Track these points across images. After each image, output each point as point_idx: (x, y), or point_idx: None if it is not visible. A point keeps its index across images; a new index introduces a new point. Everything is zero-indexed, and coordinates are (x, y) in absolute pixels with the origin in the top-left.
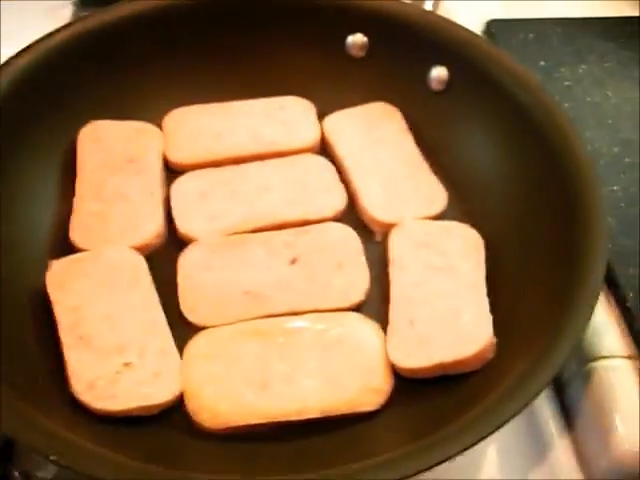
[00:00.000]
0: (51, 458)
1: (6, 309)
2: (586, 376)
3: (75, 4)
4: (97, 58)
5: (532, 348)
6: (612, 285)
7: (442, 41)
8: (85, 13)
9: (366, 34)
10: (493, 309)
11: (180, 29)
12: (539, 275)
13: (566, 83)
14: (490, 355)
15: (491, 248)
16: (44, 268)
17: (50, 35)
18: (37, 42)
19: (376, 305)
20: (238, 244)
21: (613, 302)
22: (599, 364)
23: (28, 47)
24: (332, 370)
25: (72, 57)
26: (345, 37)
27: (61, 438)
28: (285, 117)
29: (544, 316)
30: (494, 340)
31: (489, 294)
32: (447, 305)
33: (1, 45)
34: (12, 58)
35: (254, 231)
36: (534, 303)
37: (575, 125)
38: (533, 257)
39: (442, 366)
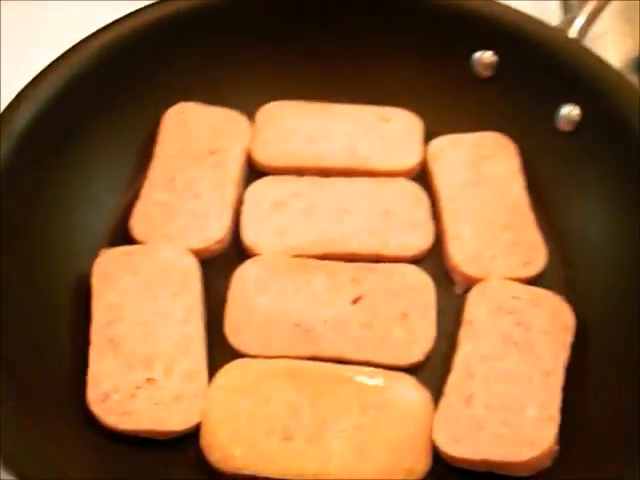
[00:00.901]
0: None
1: (47, 293)
2: None
3: None
4: (197, 36)
5: (600, 468)
6: None
7: (583, 79)
8: None
9: (497, 53)
10: (564, 409)
11: (294, 19)
12: (632, 381)
13: None
14: (546, 464)
15: (582, 333)
16: (96, 255)
17: (151, 6)
18: (136, 12)
19: (434, 370)
20: (301, 269)
21: None
22: None
23: (125, 16)
24: (365, 436)
25: (171, 32)
26: (473, 52)
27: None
28: (387, 131)
29: (625, 433)
30: (556, 448)
31: (564, 389)
32: (513, 391)
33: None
34: (104, 27)
35: (322, 256)
36: (617, 413)
37: None
38: (631, 358)
39: (488, 463)
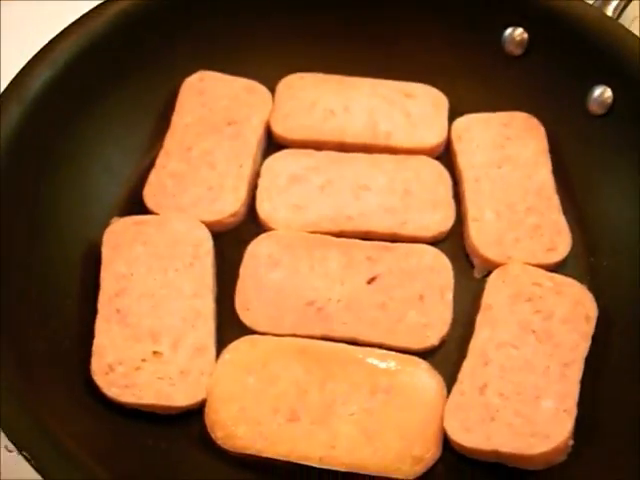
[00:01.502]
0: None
1: (57, 259)
2: None
3: None
4: (220, 4)
5: (617, 467)
6: None
7: (618, 60)
8: None
9: (528, 30)
10: (581, 401)
11: None
12: None
13: None
14: (560, 458)
15: (604, 322)
16: (108, 223)
17: None
18: None
19: (449, 355)
20: (316, 245)
21: None
22: None
23: None
24: (374, 421)
25: None
26: (503, 29)
27: (46, 433)
28: (411, 108)
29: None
30: (571, 442)
31: (583, 380)
32: (529, 381)
33: None
34: None
35: (338, 233)
36: (637, 411)
37: None
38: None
39: (499, 454)
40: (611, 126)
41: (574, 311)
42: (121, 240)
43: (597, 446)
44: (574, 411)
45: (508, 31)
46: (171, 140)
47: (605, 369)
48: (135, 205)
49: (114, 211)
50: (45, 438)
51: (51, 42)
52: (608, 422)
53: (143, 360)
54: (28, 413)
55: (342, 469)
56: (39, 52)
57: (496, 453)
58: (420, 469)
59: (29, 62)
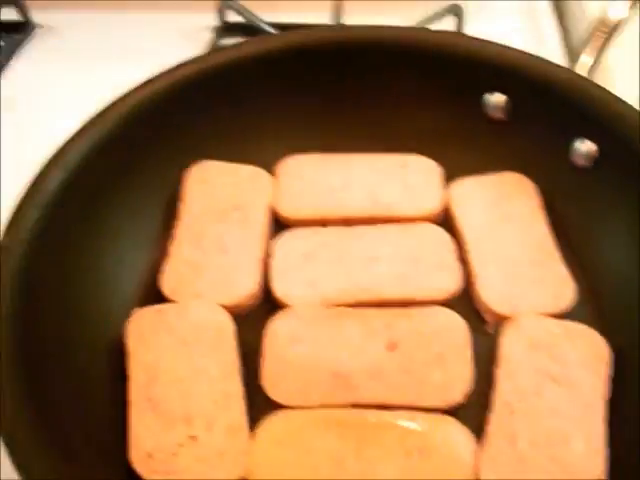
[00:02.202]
0: None
1: (83, 356)
2: None
3: (214, 31)
4: (216, 97)
5: None
6: None
7: (594, 114)
8: (223, 41)
9: (506, 93)
10: (610, 441)
11: (306, 74)
12: None
13: None
14: None
15: (620, 363)
16: (128, 314)
17: (170, 71)
18: (157, 77)
19: (474, 409)
20: (334, 318)
21: None
22: None
23: (146, 82)
24: None
25: (190, 94)
26: (482, 95)
27: None
28: (407, 178)
29: None
30: (603, 477)
31: (609, 421)
32: (556, 426)
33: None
34: (127, 93)
35: (354, 304)
36: None
37: None
38: None
39: None
40: (598, 177)
41: (588, 354)
42: (144, 330)
43: None
44: (604, 450)
45: (487, 96)
46: (181, 230)
47: (628, 407)
48: (152, 295)
49: (133, 302)
50: None
51: (62, 146)
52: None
53: (180, 445)
54: None
55: None
56: (52, 156)
57: None
58: None
59: (43, 167)
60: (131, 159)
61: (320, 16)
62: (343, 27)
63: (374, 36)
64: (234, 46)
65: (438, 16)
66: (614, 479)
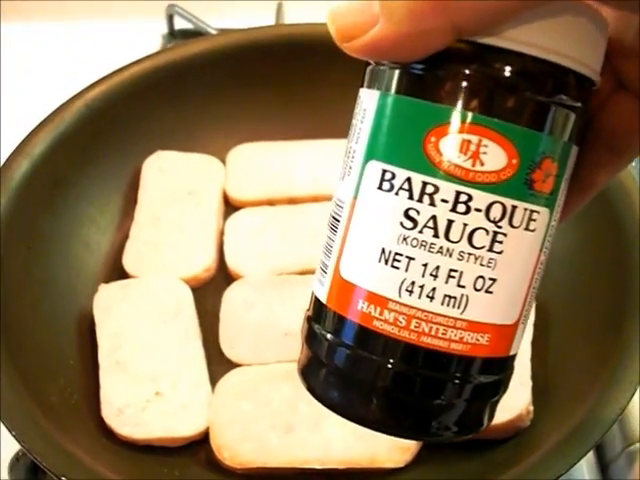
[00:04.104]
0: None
1: (55, 328)
2: (631, 456)
3: (164, 38)
4: (169, 92)
5: (571, 419)
6: None
7: None
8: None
9: None
10: (533, 376)
11: (250, 68)
12: (585, 344)
13: None
14: (525, 424)
15: (539, 312)
16: (95, 291)
17: (125, 68)
18: (112, 74)
19: None
20: (283, 284)
21: None
22: None
23: (103, 78)
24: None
25: (144, 89)
26: None
27: (78, 462)
28: None
29: (586, 386)
30: (531, 408)
31: (531, 360)
32: None
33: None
34: (86, 89)
35: (301, 272)
36: (578, 372)
37: None
38: (581, 325)
39: None
40: None
41: None
42: (110, 303)
43: (552, 408)
44: (529, 383)
45: None
46: (140, 213)
47: (546, 348)
48: (116, 272)
49: (99, 280)
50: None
51: (27, 137)
52: (558, 388)
53: (148, 401)
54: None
55: (340, 467)
56: (18, 146)
57: None
58: (408, 457)
59: (9, 157)
60: (92, 150)
61: (264, 20)
62: (284, 25)
63: (311, 32)
64: (183, 44)
65: None
66: (538, 406)
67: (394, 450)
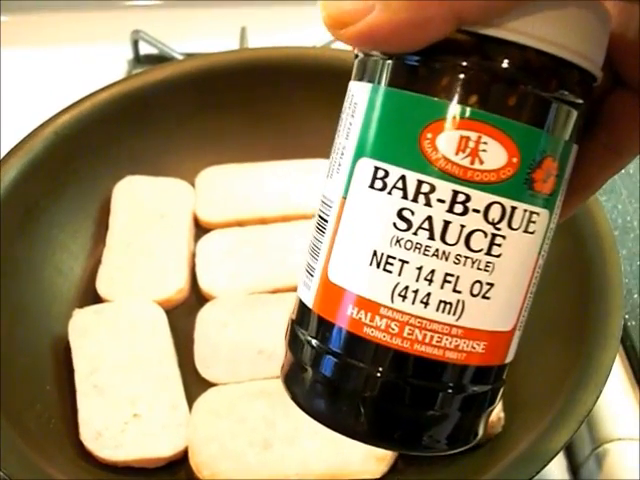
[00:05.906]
0: None
1: (30, 354)
2: (600, 458)
3: (129, 63)
4: (137, 117)
5: (541, 422)
6: (633, 365)
7: None
8: (137, 71)
9: None
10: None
11: (216, 93)
12: (552, 352)
13: None
14: (497, 430)
15: None
16: (69, 316)
17: (93, 95)
18: (80, 101)
19: None
20: (256, 303)
21: (634, 382)
22: (613, 446)
23: (71, 105)
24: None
25: (113, 115)
26: None
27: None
28: (313, 180)
29: (555, 390)
30: (502, 415)
31: None
32: None
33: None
34: (55, 115)
35: (273, 291)
36: (545, 378)
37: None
38: (548, 334)
39: None
40: None
41: None
42: (85, 327)
43: (523, 413)
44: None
45: None
46: (112, 238)
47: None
48: (90, 297)
49: (73, 305)
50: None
51: None
52: (527, 393)
53: (126, 423)
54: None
55: (318, 479)
56: None
57: None
58: (385, 467)
59: None
60: (62, 176)
61: (228, 44)
62: (248, 49)
63: (275, 55)
64: (150, 70)
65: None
66: (508, 412)
67: (370, 461)
